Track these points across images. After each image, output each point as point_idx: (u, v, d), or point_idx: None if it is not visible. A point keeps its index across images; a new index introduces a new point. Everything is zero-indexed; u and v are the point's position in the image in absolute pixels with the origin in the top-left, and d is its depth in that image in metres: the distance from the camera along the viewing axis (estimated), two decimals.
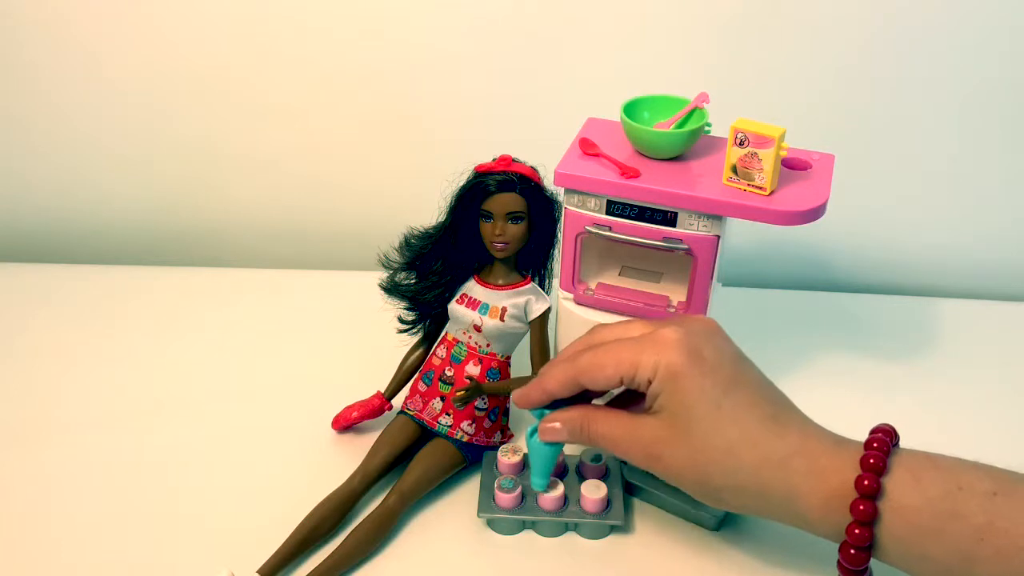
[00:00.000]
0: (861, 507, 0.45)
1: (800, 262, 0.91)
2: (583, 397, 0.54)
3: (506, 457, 0.62)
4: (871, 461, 0.46)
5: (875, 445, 0.47)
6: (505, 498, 0.59)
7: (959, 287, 0.90)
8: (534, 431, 0.55)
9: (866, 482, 0.45)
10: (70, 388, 0.73)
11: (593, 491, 0.59)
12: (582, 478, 0.62)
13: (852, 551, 0.46)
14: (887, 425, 0.49)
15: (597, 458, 0.63)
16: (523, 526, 0.60)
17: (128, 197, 0.91)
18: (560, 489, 0.60)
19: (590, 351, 0.52)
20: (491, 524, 0.60)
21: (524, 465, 0.63)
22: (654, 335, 0.50)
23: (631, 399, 0.55)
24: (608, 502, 0.60)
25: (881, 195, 0.86)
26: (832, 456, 0.47)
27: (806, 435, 0.49)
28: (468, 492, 0.63)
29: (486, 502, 0.60)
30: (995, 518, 0.44)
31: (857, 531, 0.45)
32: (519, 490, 0.60)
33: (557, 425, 0.53)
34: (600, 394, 0.56)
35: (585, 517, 0.59)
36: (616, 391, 0.56)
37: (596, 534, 0.60)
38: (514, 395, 0.55)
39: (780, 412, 0.50)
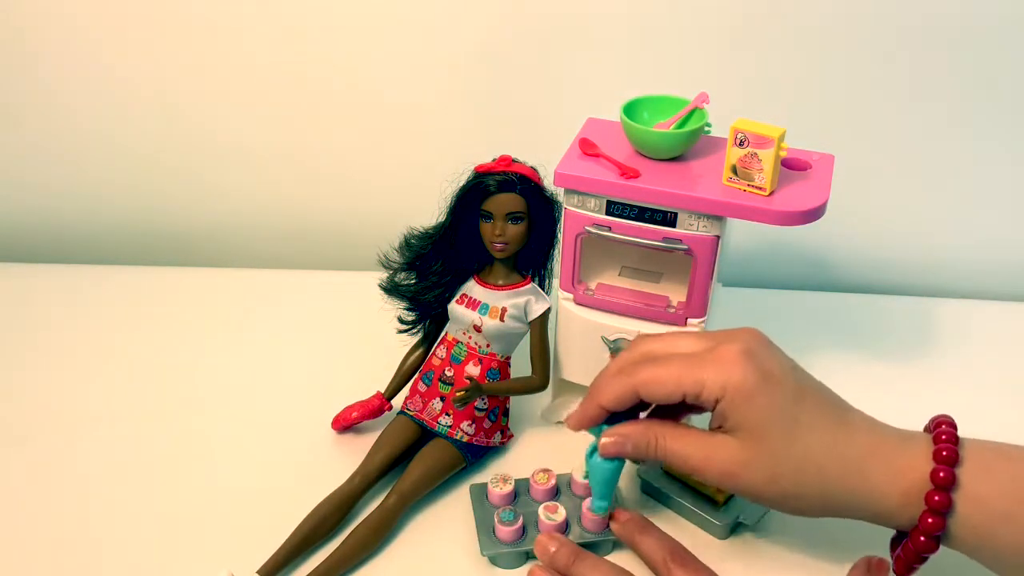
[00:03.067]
0: (936, 498, 0.47)
1: (800, 262, 0.91)
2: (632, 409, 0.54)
3: (497, 488, 0.61)
4: (944, 454, 0.48)
5: (944, 438, 0.49)
6: (506, 531, 0.58)
7: (959, 287, 0.90)
8: (594, 450, 0.54)
9: (941, 474, 0.47)
10: (70, 388, 0.73)
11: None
12: (576, 497, 0.62)
13: (922, 539, 0.48)
14: (947, 416, 0.51)
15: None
16: (528, 557, 0.59)
17: (128, 197, 0.91)
18: (562, 514, 0.59)
19: (648, 365, 0.51)
20: (494, 560, 0.58)
21: (516, 494, 0.62)
22: (716, 352, 0.50)
23: (675, 408, 0.54)
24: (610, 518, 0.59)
25: (881, 195, 0.86)
26: (904, 453, 0.49)
27: (874, 433, 0.50)
28: (468, 492, 0.63)
29: (487, 538, 0.58)
30: None
31: (931, 520, 0.47)
32: (520, 521, 0.58)
33: (622, 439, 0.52)
34: (648, 405, 0.55)
35: (589, 537, 0.59)
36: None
37: (602, 551, 0.59)
38: (569, 419, 0.54)
39: (844, 413, 0.51)
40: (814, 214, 0.58)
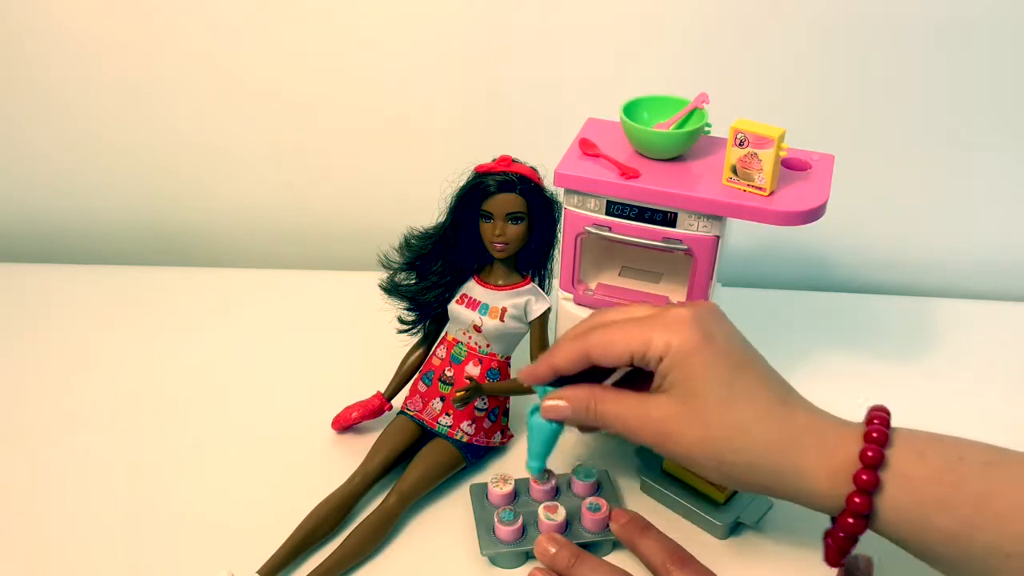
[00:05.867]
0: (864, 476, 0.47)
1: (800, 262, 0.91)
2: (587, 380, 0.54)
3: (497, 488, 0.61)
4: (874, 435, 0.48)
5: (875, 421, 0.49)
6: (506, 531, 0.58)
7: (959, 287, 0.90)
8: (536, 409, 0.54)
9: (869, 453, 0.47)
10: (70, 388, 0.73)
11: (595, 510, 0.59)
12: (576, 497, 0.62)
13: (850, 519, 0.48)
14: (882, 405, 0.51)
15: (588, 474, 0.62)
16: (528, 557, 0.59)
17: (128, 197, 0.91)
18: (562, 514, 0.59)
19: (600, 329, 0.52)
20: (494, 560, 0.58)
21: (516, 494, 0.62)
22: (665, 315, 0.51)
23: (634, 384, 0.55)
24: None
25: (881, 195, 0.86)
26: (838, 433, 0.49)
27: (812, 416, 0.51)
28: (468, 492, 0.63)
29: (487, 538, 0.58)
30: (994, 485, 0.46)
31: (857, 500, 0.47)
32: (520, 521, 0.58)
33: (562, 403, 0.53)
34: (603, 379, 0.56)
35: (589, 537, 0.59)
36: (618, 375, 0.56)
37: (602, 552, 0.59)
38: (521, 372, 0.55)
39: (787, 395, 0.51)
40: (814, 214, 0.58)
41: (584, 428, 0.56)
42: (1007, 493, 0.46)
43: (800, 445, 0.49)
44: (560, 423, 0.54)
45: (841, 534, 0.49)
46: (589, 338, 0.52)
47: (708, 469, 0.51)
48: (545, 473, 0.59)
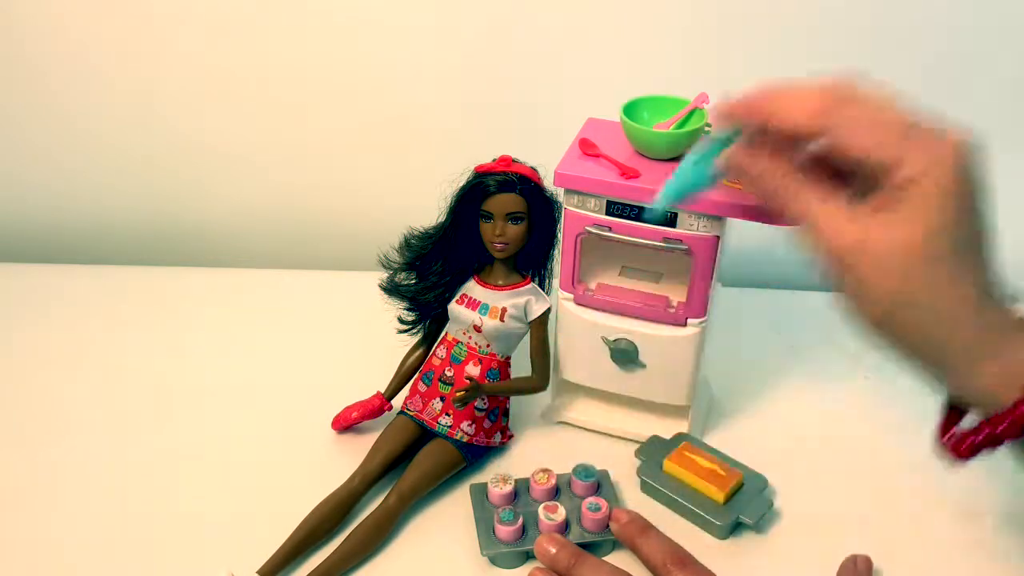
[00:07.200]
0: None
1: (800, 262, 0.91)
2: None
3: (497, 488, 0.61)
4: None
5: None
6: (506, 531, 0.58)
7: None
8: (704, 158, 0.48)
9: None
10: (70, 388, 0.73)
11: (595, 510, 0.59)
12: (577, 497, 0.62)
13: (1005, 424, 0.44)
14: None
15: (588, 474, 0.62)
16: (528, 557, 0.59)
17: (128, 197, 0.91)
18: (562, 514, 0.59)
19: (852, 105, 0.45)
20: (494, 560, 0.58)
21: (516, 494, 0.62)
22: (930, 135, 0.45)
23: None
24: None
25: None
26: None
27: (1009, 314, 0.46)
28: (468, 492, 0.63)
29: (487, 538, 0.59)
30: None
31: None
32: (520, 521, 0.58)
33: (755, 166, 0.47)
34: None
35: (589, 537, 0.59)
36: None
37: (602, 552, 0.59)
38: (724, 104, 0.48)
39: (997, 286, 0.47)
40: None
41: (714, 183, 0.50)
42: None
43: (986, 337, 0.45)
44: (715, 180, 0.49)
45: (991, 434, 0.45)
46: (840, 111, 0.45)
47: (874, 314, 0.46)
48: (666, 213, 0.53)
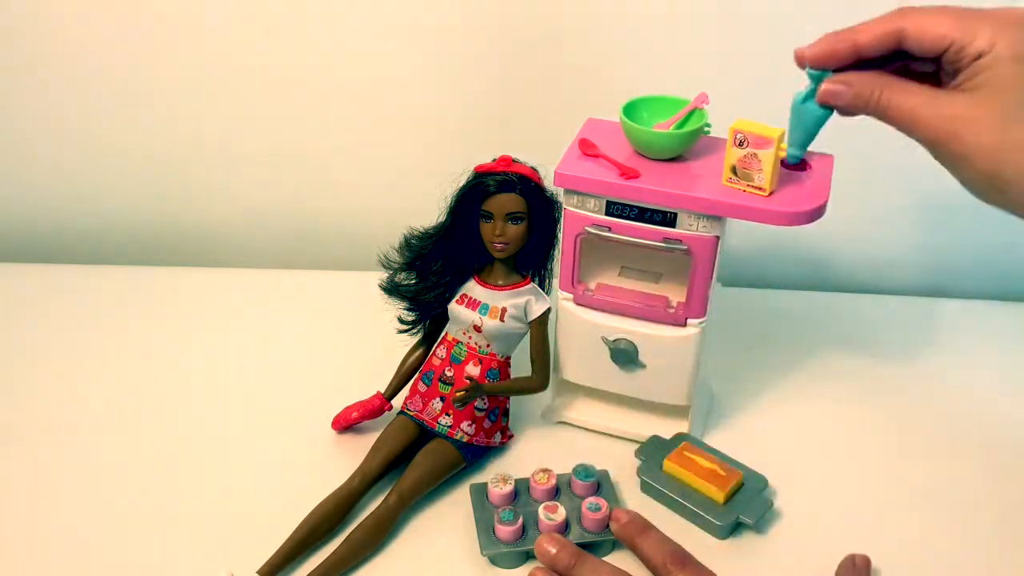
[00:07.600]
0: None
1: (800, 262, 0.91)
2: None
3: (497, 488, 0.61)
4: None
5: None
6: (506, 531, 0.58)
7: (959, 287, 0.90)
8: (807, 96, 0.53)
9: None
10: (70, 388, 0.73)
11: (595, 510, 0.59)
12: (577, 497, 0.62)
13: None
14: None
15: (588, 474, 0.62)
16: (528, 557, 0.59)
17: (128, 197, 0.91)
18: (562, 514, 0.59)
19: (917, 11, 0.49)
20: (494, 560, 0.58)
21: (516, 494, 0.62)
22: (995, 11, 0.48)
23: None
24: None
25: (881, 195, 0.86)
26: None
27: None
28: (468, 492, 0.63)
29: (487, 538, 0.59)
30: None
31: None
32: (520, 521, 0.58)
33: (844, 87, 0.51)
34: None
35: (589, 537, 0.59)
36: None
37: (602, 552, 0.59)
38: (807, 48, 0.52)
39: None
40: (814, 214, 0.58)
41: (847, 113, 0.54)
42: None
43: None
44: (831, 110, 0.53)
45: None
46: (907, 16, 0.49)
47: (979, 180, 0.49)
48: (802, 162, 0.57)
